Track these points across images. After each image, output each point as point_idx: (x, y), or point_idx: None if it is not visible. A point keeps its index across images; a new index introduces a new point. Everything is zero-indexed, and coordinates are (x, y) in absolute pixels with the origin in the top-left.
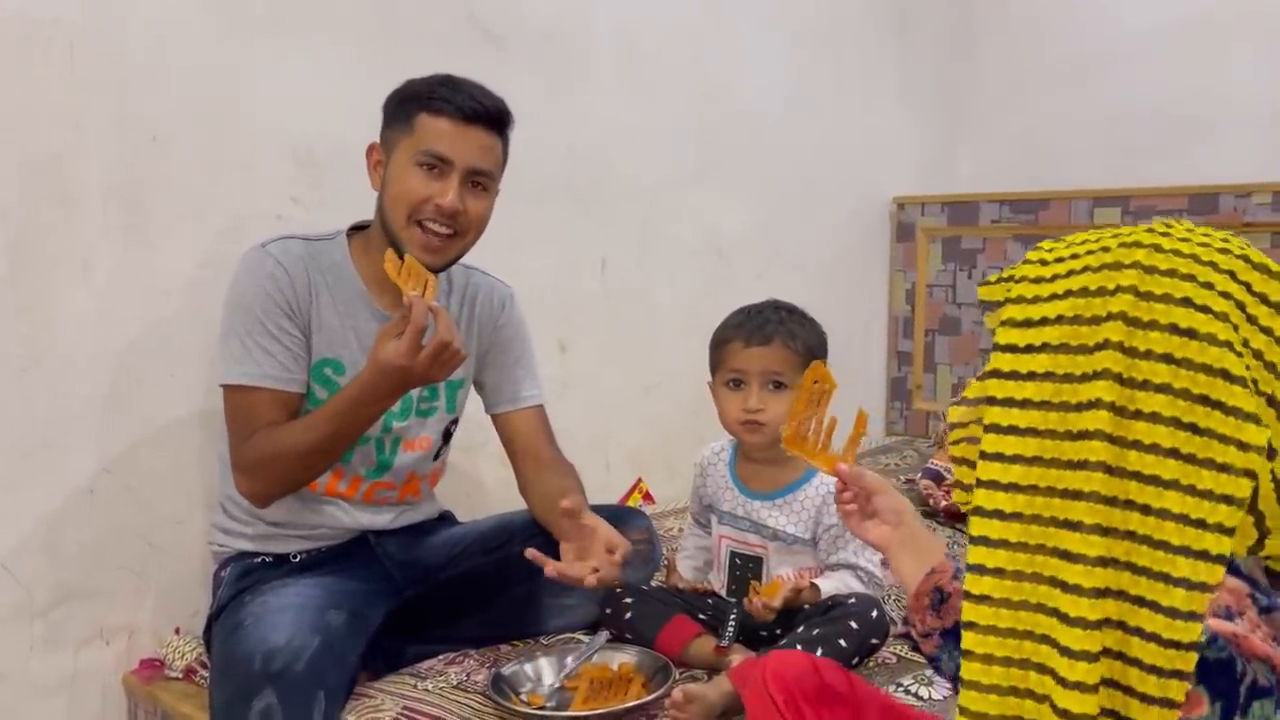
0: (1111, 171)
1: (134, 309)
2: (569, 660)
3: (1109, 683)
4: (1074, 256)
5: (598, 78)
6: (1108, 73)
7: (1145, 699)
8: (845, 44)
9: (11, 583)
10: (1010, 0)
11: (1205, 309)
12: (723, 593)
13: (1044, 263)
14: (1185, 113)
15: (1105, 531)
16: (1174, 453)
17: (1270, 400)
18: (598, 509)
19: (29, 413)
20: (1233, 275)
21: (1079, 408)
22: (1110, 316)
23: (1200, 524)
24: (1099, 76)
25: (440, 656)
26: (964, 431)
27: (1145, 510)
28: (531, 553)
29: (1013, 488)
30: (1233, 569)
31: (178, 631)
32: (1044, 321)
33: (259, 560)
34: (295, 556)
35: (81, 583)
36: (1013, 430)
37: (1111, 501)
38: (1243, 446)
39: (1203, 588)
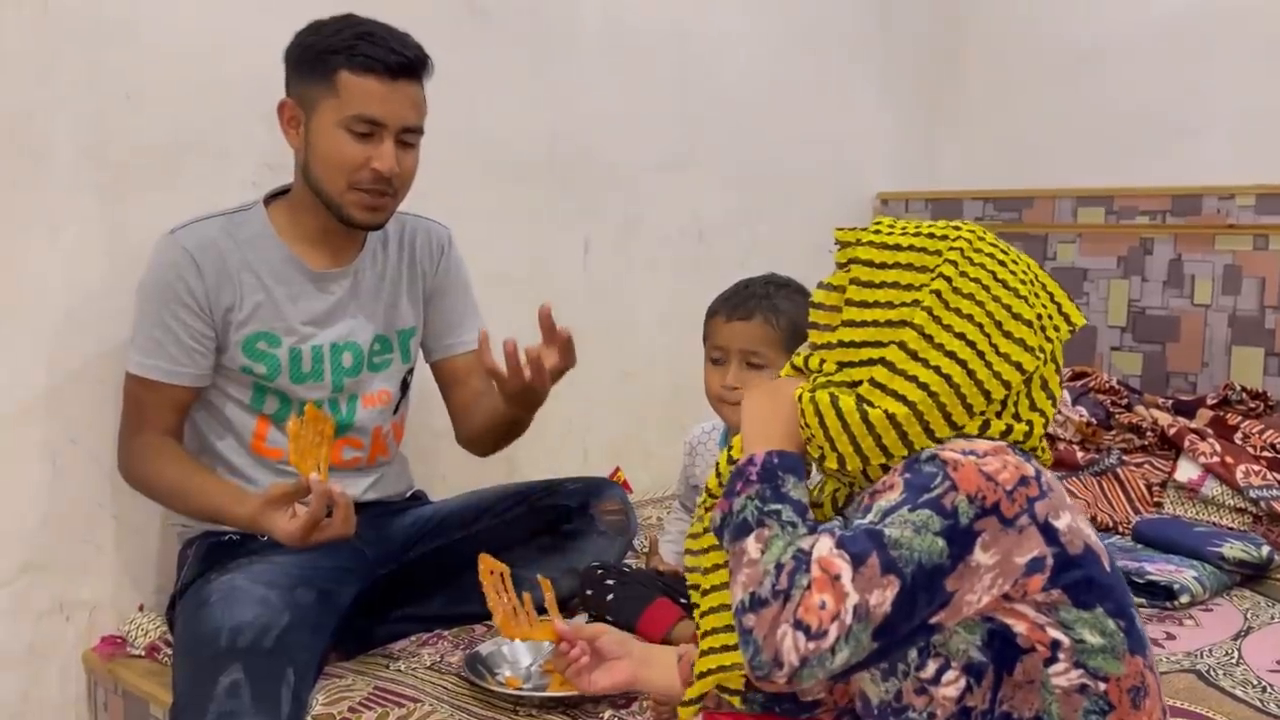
0: (1095, 171)
1: (104, 272)
2: (547, 642)
3: None
4: (917, 227)
5: (581, 56)
6: (1093, 72)
7: None
8: (829, 36)
9: None
10: None
11: (1014, 272)
12: None
13: (891, 226)
14: (1169, 114)
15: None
16: (976, 330)
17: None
18: (574, 480)
19: None
20: (1030, 266)
21: (912, 296)
22: (951, 249)
23: (979, 383)
24: (1084, 76)
25: (413, 637)
26: (822, 315)
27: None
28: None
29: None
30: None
31: (141, 609)
32: (897, 248)
33: (226, 538)
34: (262, 535)
35: (42, 555)
36: (864, 324)
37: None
38: (1019, 367)
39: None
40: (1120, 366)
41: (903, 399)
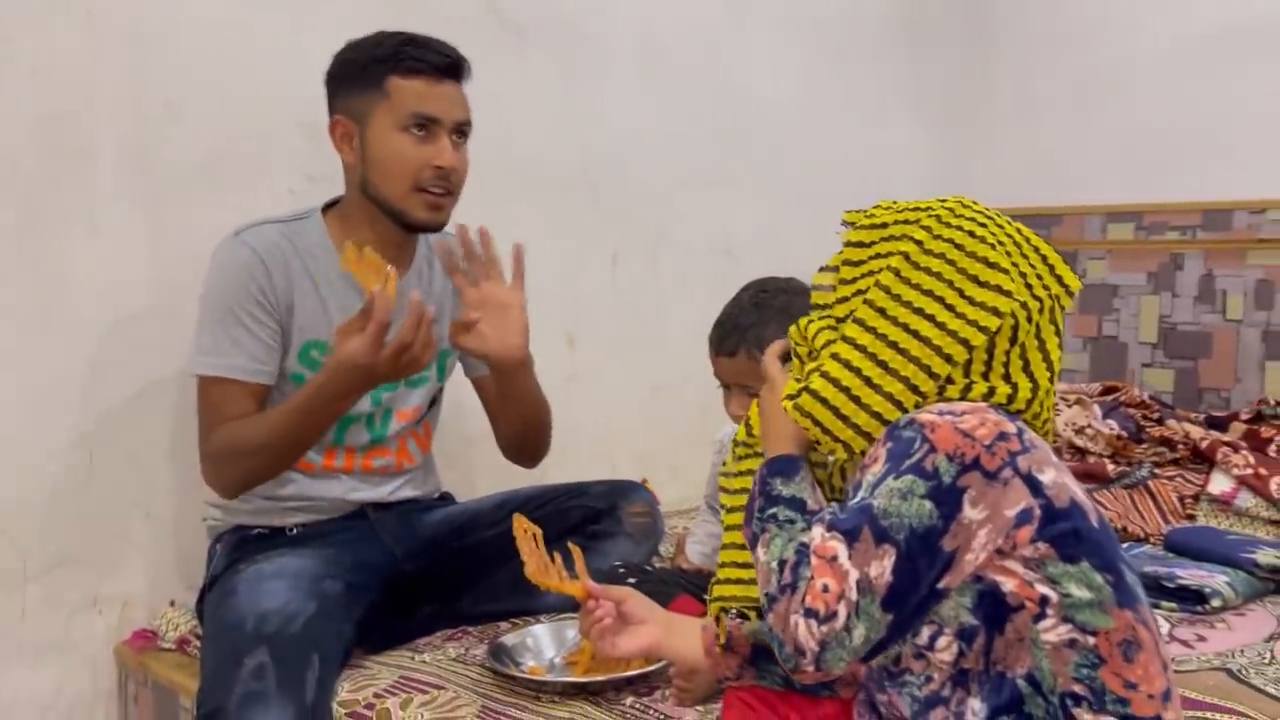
0: (1125, 187)
1: (141, 273)
2: (570, 634)
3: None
4: (907, 204)
5: (615, 72)
6: (1121, 89)
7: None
8: (859, 53)
9: (6, 545)
10: (1026, 14)
11: (992, 232)
12: None
13: (888, 208)
14: (1199, 129)
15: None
16: (945, 286)
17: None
18: (602, 483)
19: (30, 372)
20: (1020, 230)
21: (887, 252)
22: (928, 217)
23: (952, 333)
24: (1112, 93)
25: (439, 633)
26: (821, 295)
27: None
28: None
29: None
30: None
31: (172, 604)
32: (884, 225)
33: (254, 533)
34: (291, 530)
35: (77, 549)
36: (850, 281)
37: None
38: (996, 312)
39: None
40: (1151, 383)
41: (873, 356)
